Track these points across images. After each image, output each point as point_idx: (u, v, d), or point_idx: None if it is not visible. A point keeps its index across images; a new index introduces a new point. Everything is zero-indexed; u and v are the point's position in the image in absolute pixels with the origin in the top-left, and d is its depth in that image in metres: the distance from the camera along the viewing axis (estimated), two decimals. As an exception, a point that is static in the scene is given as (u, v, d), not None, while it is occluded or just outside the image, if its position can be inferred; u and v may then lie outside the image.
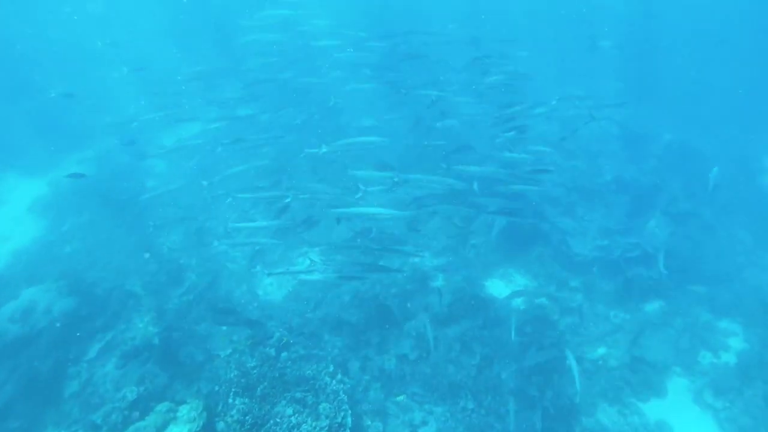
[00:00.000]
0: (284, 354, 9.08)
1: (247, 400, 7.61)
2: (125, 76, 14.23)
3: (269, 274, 11.18)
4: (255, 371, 8.17)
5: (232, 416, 7.50)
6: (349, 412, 7.24)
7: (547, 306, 11.02)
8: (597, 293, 11.51)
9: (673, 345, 10.37)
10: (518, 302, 11.03)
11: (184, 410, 7.95)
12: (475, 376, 9.34)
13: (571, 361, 8.79)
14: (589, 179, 12.93)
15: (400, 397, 8.97)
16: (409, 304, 10.35)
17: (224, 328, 10.28)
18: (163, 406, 7.98)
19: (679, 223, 12.34)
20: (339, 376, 7.97)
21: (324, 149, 10.17)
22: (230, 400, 7.80)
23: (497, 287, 11.78)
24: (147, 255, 11.66)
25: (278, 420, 6.97)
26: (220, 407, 7.93)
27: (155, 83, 14.78)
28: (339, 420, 7.04)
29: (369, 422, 8.11)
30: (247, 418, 7.11)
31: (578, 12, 22.60)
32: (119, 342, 10.01)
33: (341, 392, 7.54)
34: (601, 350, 10.43)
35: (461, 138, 12.27)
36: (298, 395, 7.52)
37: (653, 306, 11.22)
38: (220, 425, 7.38)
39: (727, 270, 11.82)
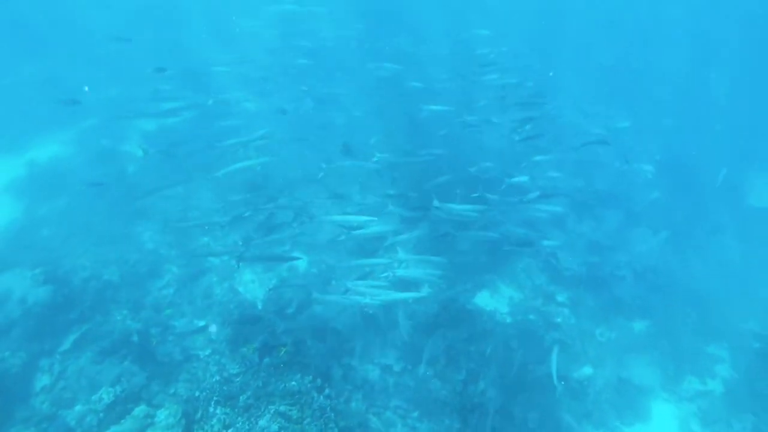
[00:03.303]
0: (267, 360, 8.85)
1: (228, 410, 7.35)
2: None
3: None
4: (238, 379, 7.90)
5: (212, 426, 7.24)
6: (336, 430, 7.03)
7: (535, 321, 10.94)
8: (584, 309, 11.48)
9: (659, 368, 10.41)
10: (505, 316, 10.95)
11: (161, 415, 7.67)
12: (461, 392, 9.24)
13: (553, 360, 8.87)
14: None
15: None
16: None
17: (202, 323, 10.06)
18: (140, 411, 7.70)
19: (669, 240, 12.34)
20: (327, 391, 7.73)
21: None
22: (211, 409, 7.53)
23: (483, 298, 11.65)
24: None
25: (262, 437, 6.72)
26: (199, 414, 7.65)
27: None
28: (325, 438, 6.84)
29: (353, 438, 7.93)
30: (230, 431, 6.85)
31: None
32: (96, 335, 9.57)
33: (328, 409, 7.31)
34: (587, 369, 10.40)
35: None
36: (283, 409, 7.28)
37: (640, 325, 11.22)
38: (200, 436, 7.13)
39: (715, 292, 11.87)
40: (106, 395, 8.22)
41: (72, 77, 16.77)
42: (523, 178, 10.63)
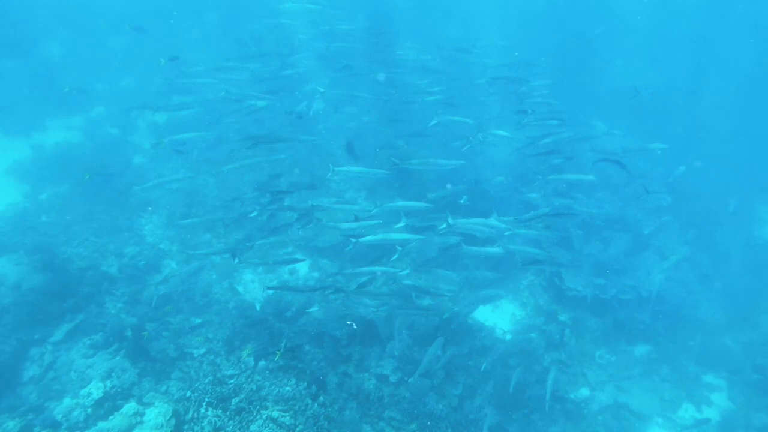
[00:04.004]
0: (262, 363, 8.70)
1: (220, 412, 7.19)
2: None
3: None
4: (231, 381, 7.75)
5: (202, 428, 7.08)
6: (328, 439, 6.87)
7: (535, 340, 10.78)
8: (585, 330, 11.33)
9: (657, 394, 10.25)
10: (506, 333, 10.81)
11: (151, 414, 7.51)
12: (457, 407, 9.09)
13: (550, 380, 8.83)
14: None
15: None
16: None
17: (198, 320, 9.89)
18: (129, 408, 7.55)
19: (675, 267, 12.20)
20: (321, 398, 7.57)
21: None
22: (202, 410, 7.38)
23: (484, 313, 11.49)
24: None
25: (253, 443, 6.56)
26: (190, 415, 7.50)
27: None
28: (317, 448, 6.68)
29: (346, 449, 7.76)
30: (220, 435, 6.69)
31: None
32: (89, 327, 9.44)
33: (322, 417, 7.15)
34: (585, 391, 10.25)
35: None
36: (276, 414, 7.12)
37: (641, 350, 11.07)
38: (189, 437, 6.97)
39: (717, 322, 11.72)
40: (95, 390, 8.07)
41: (83, 65, 16.72)
42: (534, 195, 10.52)
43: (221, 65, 12.34)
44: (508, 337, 10.82)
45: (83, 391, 8.03)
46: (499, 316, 11.36)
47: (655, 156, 13.43)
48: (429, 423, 8.66)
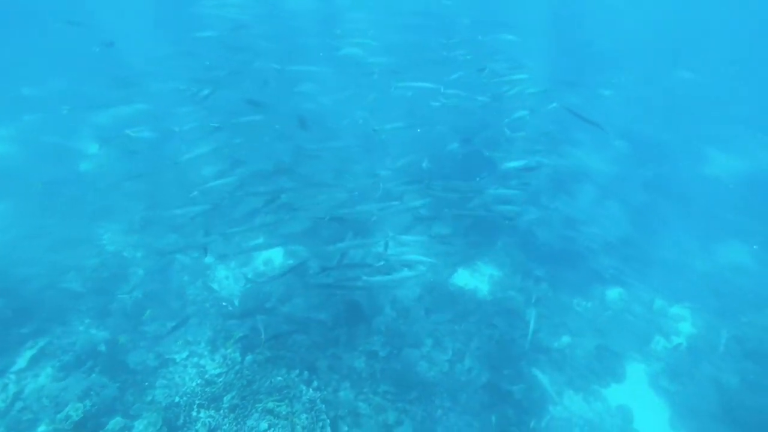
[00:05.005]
0: (249, 357, 8.49)
1: (213, 412, 6.98)
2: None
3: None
4: (220, 380, 7.52)
5: (197, 431, 6.86)
6: (328, 422, 6.80)
7: (515, 297, 11.02)
8: (561, 281, 11.66)
9: (632, 332, 10.73)
10: (487, 294, 10.99)
11: (140, 426, 7.23)
12: (448, 372, 9.21)
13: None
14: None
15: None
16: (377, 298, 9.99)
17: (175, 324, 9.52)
18: (115, 424, 7.22)
19: (639, 212, 12.71)
20: (315, 383, 7.47)
21: None
22: (194, 413, 7.14)
23: (463, 277, 11.64)
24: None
25: (253, 437, 6.41)
26: (182, 420, 7.25)
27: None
28: (318, 431, 6.60)
29: (347, 428, 7.71)
30: (217, 435, 6.50)
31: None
32: (56, 349, 8.91)
33: (318, 401, 7.06)
34: (566, 339, 10.59)
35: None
36: (271, 405, 6.97)
37: (613, 293, 11.53)
38: (185, 442, 6.74)
39: (679, 258, 12.35)
40: (73, 412, 7.63)
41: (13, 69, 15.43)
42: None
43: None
44: (490, 298, 11.00)
45: (60, 416, 7.58)
46: (479, 279, 11.51)
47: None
48: (424, 391, 8.74)
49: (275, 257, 11.11)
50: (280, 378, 7.68)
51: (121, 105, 11.69)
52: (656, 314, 11.38)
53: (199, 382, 7.62)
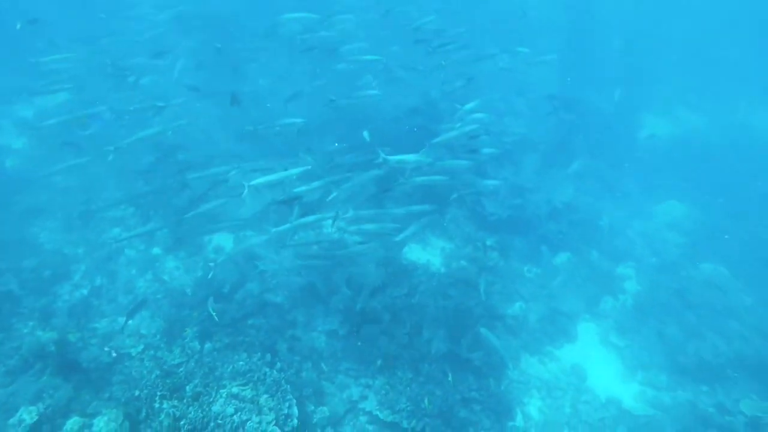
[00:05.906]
0: (209, 345, 8.40)
1: (177, 402, 6.88)
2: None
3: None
4: (181, 369, 7.41)
5: (161, 422, 6.75)
6: (294, 401, 6.86)
7: (467, 267, 11.34)
8: (511, 249, 12.09)
9: (581, 293, 11.35)
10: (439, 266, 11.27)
11: (100, 423, 7.02)
12: (408, 345, 9.42)
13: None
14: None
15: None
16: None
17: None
18: (74, 423, 6.97)
19: (581, 178, 13.30)
20: (279, 365, 7.49)
21: None
22: (156, 405, 7.01)
23: (415, 252, 11.84)
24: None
25: (219, 422, 6.38)
26: (144, 413, 7.10)
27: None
28: (285, 411, 6.65)
29: (312, 407, 7.82)
30: (182, 423, 6.42)
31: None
32: (-1, 355, 8.45)
33: (283, 381, 7.10)
34: (520, 305, 11.05)
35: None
36: (236, 390, 6.96)
37: (562, 258, 12.10)
38: (149, 434, 6.63)
39: (620, 220, 13.10)
40: (27, 416, 7.28)
41: None
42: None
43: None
44: (443, 270, 11.27)
45: (12, 421, 7.23)
46: (431, 253, 11.76)
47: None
48: (387, 364, 8.94)
49: (226, 244, 10.92)
50: (242, 363, 7.65)
51: (45, 93, 10.88)
52: (603, 275, 12.06)
53: (158, 373, 7.46)
